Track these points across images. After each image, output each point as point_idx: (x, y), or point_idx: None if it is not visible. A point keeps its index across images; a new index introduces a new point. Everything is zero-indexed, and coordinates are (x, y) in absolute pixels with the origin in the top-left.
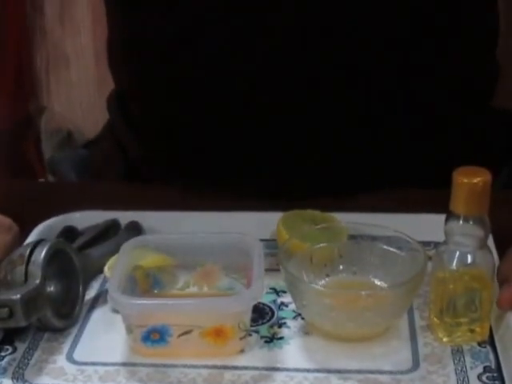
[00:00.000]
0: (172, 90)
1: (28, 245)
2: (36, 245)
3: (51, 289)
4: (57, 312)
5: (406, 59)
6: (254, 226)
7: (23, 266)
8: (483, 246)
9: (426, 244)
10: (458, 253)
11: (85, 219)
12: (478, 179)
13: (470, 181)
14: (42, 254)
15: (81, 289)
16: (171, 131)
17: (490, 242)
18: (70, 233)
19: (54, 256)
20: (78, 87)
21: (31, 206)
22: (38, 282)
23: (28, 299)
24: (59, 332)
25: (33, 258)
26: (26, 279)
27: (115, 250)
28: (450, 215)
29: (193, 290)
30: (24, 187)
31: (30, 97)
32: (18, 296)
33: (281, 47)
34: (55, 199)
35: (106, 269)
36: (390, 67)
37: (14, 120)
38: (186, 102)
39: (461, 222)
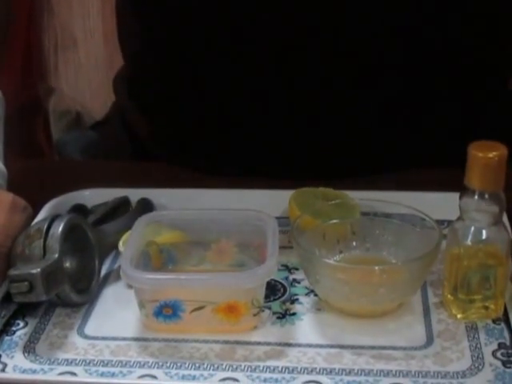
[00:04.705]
0: (184, 63)
1: (45, 219)
2: (53, 219)
3: (67, 264)
4: (74, 287)
5: (416, 38)
6: (264, 203)
7: (41, 241)
8: (498, 222)
9: (439, 222)
10: (472, 228)
11: (94, 197)
12: (494, 153)
13: (485, 155)
14: (59, 228)
15: (97, 264)
16: (182, 107)
17: (505, 218)
18: (79, 211)
19: (70, 231)
20: (86, 68)
21: (40, 185)
22: (56, 256)
23: (48, 273)
24: (71, 307)
25: (51, 232)
26: (45, 254)
27: (129, 226)
28: (465, 190)
29: (206, 266)
30: (33, 166)
31: (39, 78)
32: (39, 270)
33: (283, 24)
34: (64, 178)
35: (120, 244)
36: (399, 49)
37: (23, 101)
38: (198, 76)
39: (476, 197)
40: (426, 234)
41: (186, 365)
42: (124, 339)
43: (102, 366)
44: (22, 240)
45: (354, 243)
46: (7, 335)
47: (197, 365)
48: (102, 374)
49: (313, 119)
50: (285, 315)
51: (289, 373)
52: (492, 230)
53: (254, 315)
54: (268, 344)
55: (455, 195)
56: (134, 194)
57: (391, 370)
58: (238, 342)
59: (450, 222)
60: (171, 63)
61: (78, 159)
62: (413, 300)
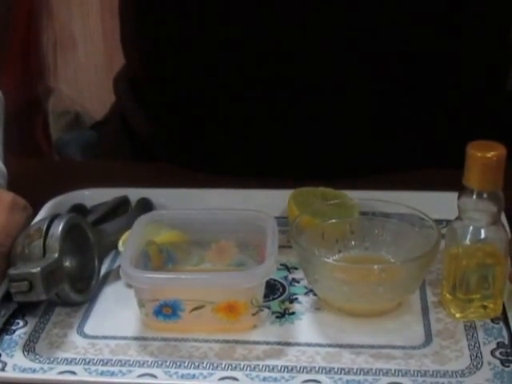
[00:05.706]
0: (185, 63)
1: (45, 219)
2: (53, 219)
3: (67, 264)
4: (73, 287)
5: (416, 38)
6: (264, 203)
7: (41, 240)
8: (496, 221)
9: (438, 222)
10: (471, 228)
11: (94, 197)
12: (493, 153)
13: (483, 155)
14: (59, 227)
15: (96, 263)
16: (183, 107)
17: (503, 218)
18: (79, 210)
19: (69, 231)
20: (85, 68)
21: (39, 185)
22: (56, 255)
23: (48, 272)
24: (71, 306)
25: (51, 232)
26: (44, 253)
27: (129, 226)
28: (464, 190)
29: (206, 266)
30: (33, 166)
31: (38, 78)
32: (38, 269)
33: (283, 24)
34: (64, 178)
35: (120, 243)
36: (398, 49)
37: (23, 101)
38: (199, 76)
39: (474, 196)
40: (425, 234)
41: (186, 364)
42: (124, 338)
43: (102, 365)
44: (22, 239)
45: (353, 243)
46: (7, 334)
47: (196, 364)
48: (102, 373)
49: (313, 119)
50: (284, 314)
51: (288, 372)
52: (490, 229)
53: (253, 314)
54: (267, 343)
55: (454, 195)
56: (134, 194)
57: (390, 369)
58: (237, 342)
59: (448, 222)
60: (172, 63)
61: (77, 159)
62: (412, 299)
